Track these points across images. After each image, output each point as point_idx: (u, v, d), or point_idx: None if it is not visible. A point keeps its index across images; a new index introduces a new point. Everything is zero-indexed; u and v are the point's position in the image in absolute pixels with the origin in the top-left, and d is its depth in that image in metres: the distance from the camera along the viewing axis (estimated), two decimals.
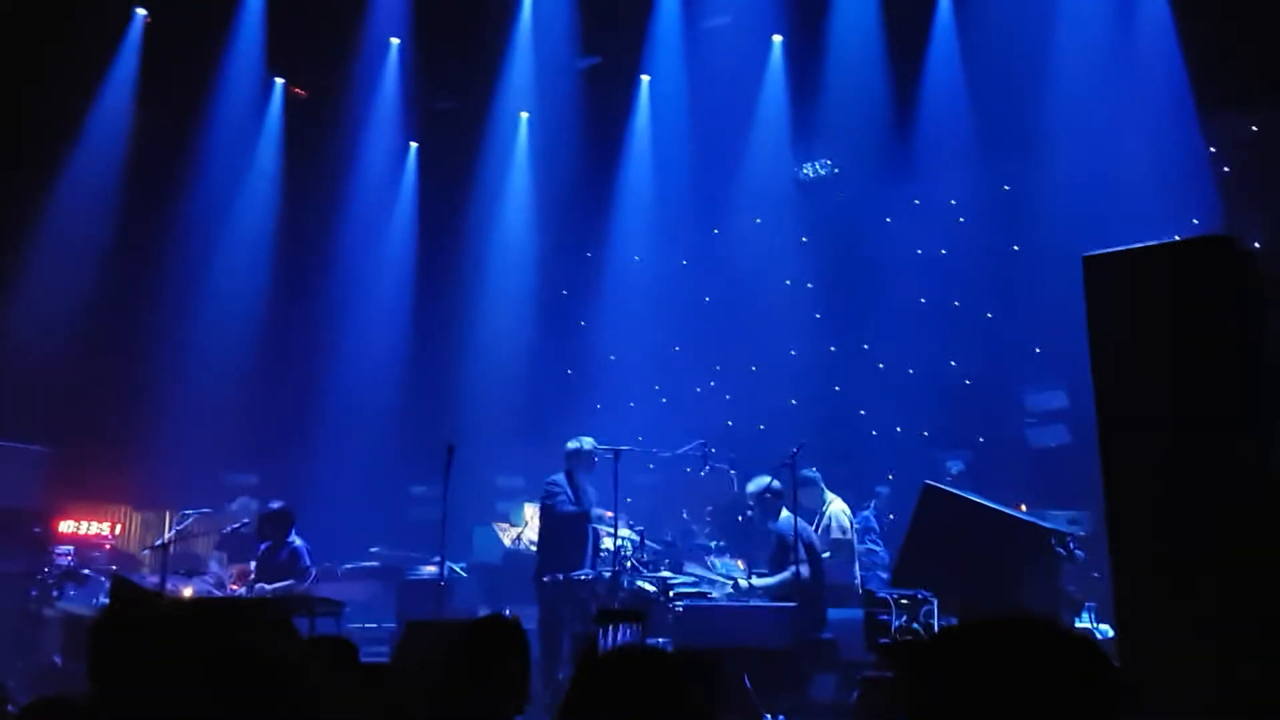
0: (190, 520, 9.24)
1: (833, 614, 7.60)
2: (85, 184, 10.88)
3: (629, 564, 7.63)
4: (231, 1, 11.18)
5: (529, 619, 8.70)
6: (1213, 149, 9.26)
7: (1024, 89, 9.90)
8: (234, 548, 9.24)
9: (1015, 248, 10.45)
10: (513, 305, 12.68)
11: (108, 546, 10.17)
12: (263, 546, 8.83)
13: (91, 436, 10.71)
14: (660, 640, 6.86)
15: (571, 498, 8.19)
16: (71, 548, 9.43)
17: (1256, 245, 8.00)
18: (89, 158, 10.93)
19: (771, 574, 7.65)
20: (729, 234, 12.20)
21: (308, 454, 11.83)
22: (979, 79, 10.35)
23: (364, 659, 9.03)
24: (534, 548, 9.96)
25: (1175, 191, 8.97)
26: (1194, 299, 5.13)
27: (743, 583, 7.50)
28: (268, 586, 8.38)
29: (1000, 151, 10.44)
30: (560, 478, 8.32)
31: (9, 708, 4.97)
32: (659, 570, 7.78)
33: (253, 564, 8.85)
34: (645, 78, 12.13)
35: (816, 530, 8.56)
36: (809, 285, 11.76)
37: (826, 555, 8.39)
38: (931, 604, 6.48)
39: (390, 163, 13.02)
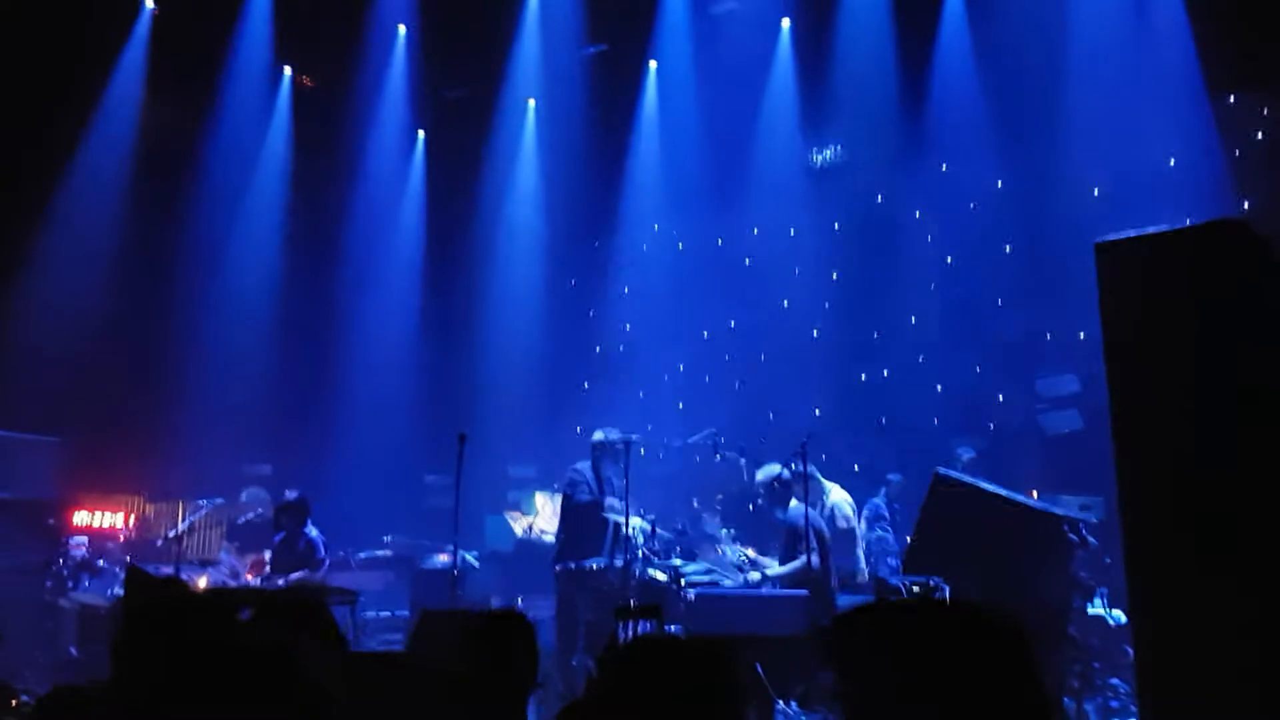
0: (204, 511, 9.31)
1: (843, 600, 7.61)
2: (97, 175, 10.91)
3: (640, 553, 7.65)
4: None
5: (545, 607, 8.76)
6: (1225, 133, 9.18)
7: (1036, 72, 9.83)
8: (245, 538, 9.29)
9: (1028, 233, 10.40)
10: (523, 293, 12.69)
11: (122, 537, 10.22)
12: (278, 537, 8.87)
13: (105, 427, 10.75)
14: (673, 628, 6.88)
15: (592, 488, 8.23)
16: (86, 539, 9.49)
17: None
18: (100, 149, 10.96)
19: (782, 563, 7.65)
20: (739, 220, 12.17)
21: (321, 443, 11.87)
22: (990, 62, 10.27)
23: (379, 648, 9.13)
24: (546, 536, 10.01)
25: (1189, 176, 8.90)
26: (1208, 284, 5.09)
27: (754, 575, 7.49)
28: (281, 579, 8.41)
29: (1013, 136, 10.37)
30: (584, 466, 8.38)
31: (23, 698, 5.01)
32: (670, 559, 7.79)
33: (267, 554, 8.89)
34: (653, 64, 12.09)
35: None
36: (820, 273, 11.71)
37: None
38: (943, 591, 6.47)
39: (399, 151, 13.02)
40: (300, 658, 2.39)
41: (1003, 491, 7.20)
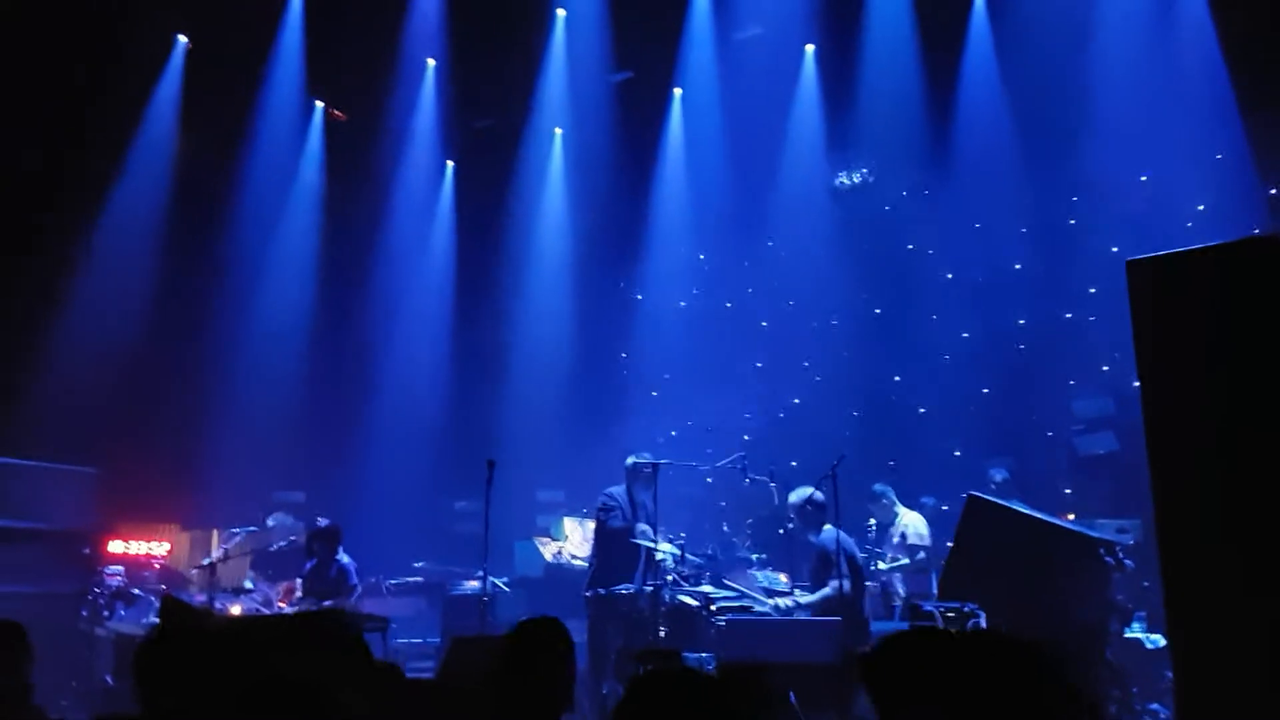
0: (238, 539, 9.37)
1: (876, 627, 7.53)
2: (132, 208, 11.08)
3: (670, 578, 7.62)
4: (271, 27, 11.34)
5: (576, 632, 8.72)
6: (1256, 150, 9.09)
7: (1062, 92, 9.80)
8: (277, 565, 9.33)
9: (1057, 253, 10.33)
10: (550, 319, 12.74)
11: (157, 566, 10.30)
12: (310, 564, 8.91)
13: (142, 457, 10.85)
14: (703, 655, 6.83)
15: (626, 513, 8.22)
16: (121, 568, 9.56)
17: None
18: (135, 182, 11.14)
19: (813, 587, 7.58)
20: (765, 244, 12.18)
21: (353, 470, 11.94)
22: (1016, 83, 10.27)
23: (410, 675, 9.12)
24: (575, 562, 9.99)
25: (1219, 194, 8.82)
26: (1241, 302, 5.03)
27: (784, 603, 7.43)
28: (313, 606, 8.43)
29: (1039, 155, 10.32)
30: (618, 491, 8.38)
31: None
32: (700, 584, 7.74)
33: (299, 581, 8.93)
34: (678, 91, 12.17)
35: (894, 541, 8.52)
36: (847, 294, 11.68)
37: (904, 563, 8.37)
38: (978, 617, 6.39)
39: (428, 181, 13.17)
40: (333, 690, 2.40)
41: (1037, 514, 7.12)
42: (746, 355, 12.24)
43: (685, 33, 11.32)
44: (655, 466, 7.93)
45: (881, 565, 8.73)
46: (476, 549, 7.84)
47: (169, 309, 11.29)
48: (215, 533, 11.04)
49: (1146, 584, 6.91)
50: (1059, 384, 10.36)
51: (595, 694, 7.65)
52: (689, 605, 7.47)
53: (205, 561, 8.77)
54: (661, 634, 7.35)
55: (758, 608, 7.49)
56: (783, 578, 8.27)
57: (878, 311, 11.45)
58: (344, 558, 8.85)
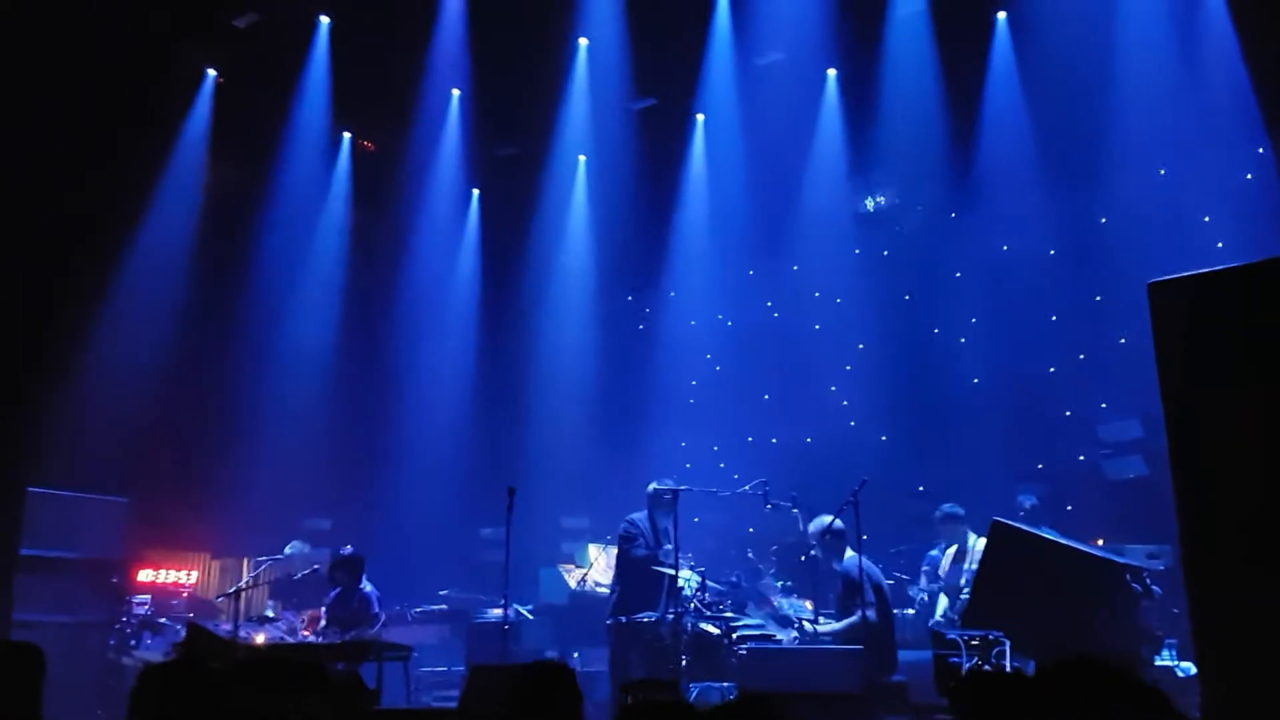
0: (265, 567, 9.43)
1: (903, 656, 7.43)
2: (162, 238, 11.21)
3: (692, 605, 7.56)
4: (298, 59, 11.50)
5: (600, 660, 8.69)
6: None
7: (1086, 114, 9.73)
8: (295, 594, 9.37)
9: (1084, 275, 10.23)
10: (574, 346, 12.78)
11: (185, 594, 10.38)
12: (334, 592, 8.94)
13: (172, 487, 10.96)
14: (724, 684, 6.77)
15: (649, 540, 8.18)
16: (149, 597, 9.65)
17: None
18: (165, 212, 11.28)
19: (838, 616, 7.49)
20: (790, 269, 12.16)
21: (379, 498, 12.01)
22: (1039, 104, 10.19)
23: (434, 704, 9.11)
24: (599, 589, 9.95)
25: (1244, 214, 8.69)
26: (1265, 323, 4.96)
27: (808, 626, 7.35)
28: (337, 634, 8.44)
29: (1064, 178, 10.25)
30: (640, 517, 8.34)
31: None
32: (722, 611, 7.67)
33: (323, 610, 8.95)
34: (700, 117, 12.21)
35: (965, 565, 8.34)
36: (870, 318, 11.62)
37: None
38: (1003, 645, 6.28)
39: (454, 210, 13.27)
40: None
41: (1062, 539, 7.01)
42: (771, 380, 12.19)
43: (706, 59, 11.34)
44: (676, 493, 7.89)
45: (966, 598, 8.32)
46: (502, 576, 7.84)
47: (199, 339, 11.43)
48: (246, 561, 11.12)
49: (1177, 611, 6.76)
50: (1090, 407, 10.22)
51: None
52: (710, 634, 7.41)
53: (231, 590, 8.83)
54: (683, 663, 7.29)
55: (780, 636, 7.40)
56: (808, 605, 8.17)
57: (899, 332, 11.36)
58: (367, 586, 8.87)
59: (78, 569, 9.42)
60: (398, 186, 12.75)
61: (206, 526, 11.36)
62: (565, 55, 11.64)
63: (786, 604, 8.16)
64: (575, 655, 9.51)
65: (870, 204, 11.86)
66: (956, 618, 8.02)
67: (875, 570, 7.66)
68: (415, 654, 8.48)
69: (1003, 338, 10.68)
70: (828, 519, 7.58)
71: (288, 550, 9.50)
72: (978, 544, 8.43)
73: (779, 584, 8.86)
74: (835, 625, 7.41)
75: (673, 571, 7.64)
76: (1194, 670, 6.28)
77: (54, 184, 9.89)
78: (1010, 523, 7.24)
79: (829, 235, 11.72)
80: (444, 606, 10.75)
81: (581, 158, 12.81)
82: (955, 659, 6.42)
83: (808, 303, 12.00)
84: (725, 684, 6.81)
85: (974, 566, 8.24)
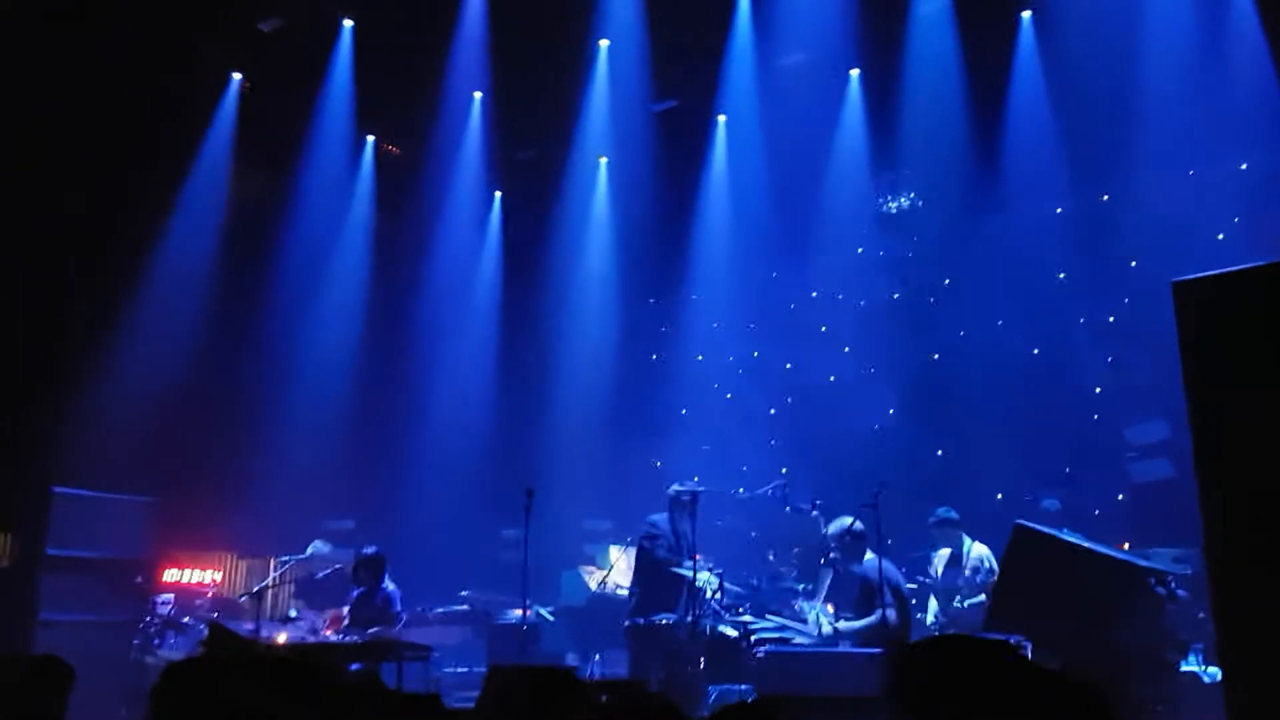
0: (288, 567, 9.48)
1: None
2: (187, 241, 11.31)
3: (711, 608, 7.53)
4: (323, 64, 11.57)
5: (619, 662, 8.67)
6: None
7: (1111, 112, 9.61)
8: (318, 593, 9.41)
9: (1109, 275, 10.13)
10: (596, 348, 12.78)
11: (210, 594, 10.45)
12: (356, 592, 8.98)
13: (197, 487, 11.04)
14: (742, 687, 6.73)
15: (670, 543, 8.16)
16: (172, 596, 9.72)
17: None
18: (189, 216, 11.37)
19: (857, 618, 7.44)
20: (812, 270, 12.10)
21: (402, 499, 12.05)
22: (1064, 102, 10.09)
23: (455, 704, 9.12)
24: (620, 591, 9.93)
25: (1271, 213, 8.57)
26: None
27: (826, 627, 7.30)
28: (358, 634, 8.48)
29: (1089, 177, 10.15)
30: (660, 519, 8.32)
31: None
32: (740, 614, 7.64)
33: (345, 610, 8.99)
34: (722, 118, 12.18)
35: (966, 574, 8.31)
36: (893, 320, 11.55)
37: (980, 599, 8.14)
38: (1024, 648, 6.21)
39: (476, 212, 13.31)
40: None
41: (1085, 542, 6.92)
42: (794, 382, 12.14)
43: (728, 60, 11.31)
44: (695, 495, 7.87)
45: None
46: (521, 577, 7.84)
47: (223, 340, 11.51)
48: (271, 561, 11.18)
49: (1202, 615, 6.66)
50: (1117, 409, 10.11)
51: None
52: (728, 636, 7.38)
53: (254, 590, 8.88)
54: (702, 665, 7.27)
55: (798, 638, 7.36)
56: (829, 608, 8.12)
57: (921, 333, 11.30)
58: (389, 585, 8.91)
59: (102, 569, 9.51)
60: (420, 189, 12.80)
61: (230, 526, 11.43)
62: (586, 57, 11.64)
63: (807, 607, 8.11)
64: (596, 657, 9.49)
65: (893, 205, 11.78)
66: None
67: (895, 573, 7.61)
68: (436, 654, 8.50)
69: (1026, 339, 10.59)
70: (846, 521, 7.54)
71: (309, 550, 9.55)
72: (974, 548, 8.42)
73: (800, 587, 8.80)
74: (855, 624, 7.37)
75: (692, 574, 7.61)
76: (1219, 675, 6.19)
77: (80, 186, 10.00)
78: (1033, 525, 7.17)
79: (851, 236, 11.67)
80: (465, 607, 10.75)
81: (603, 160, 12.82)
82: None
83: (830, 304, 11.94)
84: (744, 686, 6.76)
85: (969, 572, 8.23)
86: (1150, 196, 9.55)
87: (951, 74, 10.49)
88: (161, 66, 10.32)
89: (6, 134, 9.40)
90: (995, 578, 8.18)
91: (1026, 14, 10.48)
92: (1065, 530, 7.96)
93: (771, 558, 10.16)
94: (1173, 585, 6.42)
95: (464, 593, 11.04)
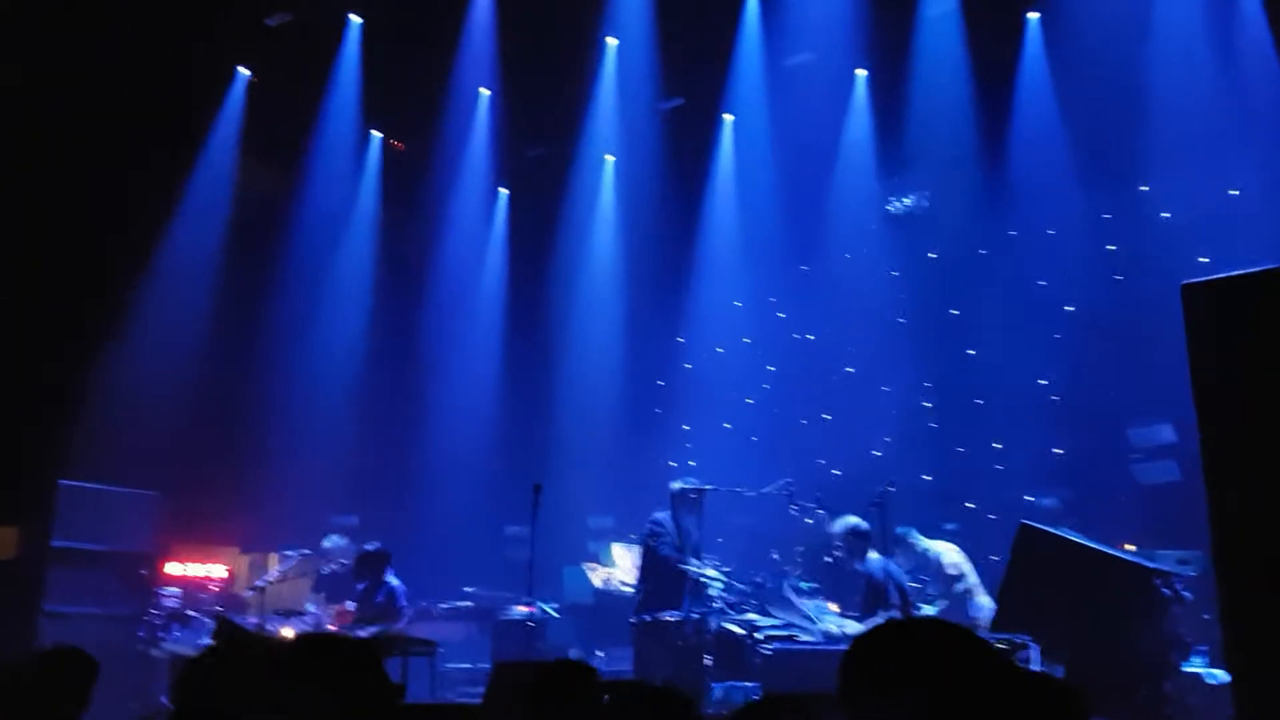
0: (292, 561, 9.50)
1: None
2: (193, 237, 11.33)
3: (717, 605, 7.56)
4: (330, 60, 11.59)
5: (624, 659, 8.69)
6: None
7: (1119, 113, 9.63)
8: (331, 588, 9.44)
9: (1117, 278, 10.13)
10: (601, 345, 12.79)
11: (214, 588, 10.47)
12: (360, 587, 9.00)
13: (202, 481, 11.05)
14: (749, 685, 6.75)
15: (674, 540, 8.19)
16: (178, 589, 9.75)
17: None
18: (196, 211, 11.40)
19: (862, 617, 7.45)
20: (817, 270, 12.12)
21: (406, 494, 12.07)
22: (1072, 104, 10.11)
23: (459, 699, 9.16)
24: (624, 588, 9.96)
25: None
26: None
27: (833, 628, 7.32)
28: (362, 629, 8.50)
29: (1098, 179, 10.16)
30: (665, 517, 8.34)
31: None
32: (745, 612, 7.66)
33: (350, 604, 9.02)
34: (728, 117, 12.19)
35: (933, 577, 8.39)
36: (901, 320, 11.56)
37: (944, 604, 8.21)
38: (1029, 649, 6.23)
39: (482, 209, 13.33)
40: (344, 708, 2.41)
41: (1091, 543, 6.93)
42: (800, 381, 12.14)
43: (735, 60, 11.34)
44: (701, 492, 7.89)
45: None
46: (527, 574, 7.85)
47: (229, 334, 11.52)
48: (273, 555, 11.20)
49: (1208, 617, 6.68)
50: (1124, 410, 10.12)
51: None
52: (734, 633, 7.40)
53: (259, 584, 8.90)
54: (707, 662, 7.29)
55: (804, 636, 7.38)
56: (833, 607, 8.14)
57: (928, 333, 11.30)
58: (393, 580, 8.93)
59: (108, 562, 9.53)
60: (427, 186, 12.82)
61: (236, 521, 11.46)
62: (594, 55, 11.66)
63: (811, 606, 8.13)
64: (600, 654, 9.52)
65: (899, 206, 11.79)
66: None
67: (899, 571, 7.63)
68: (441, 650, 8.54)
69: (1033, 339, 10.59)
70: (851, 521, 7.56)
71: (326, 544, 9.57)
72: (932, 550, 8.63)
73: (804, 585, 8.82)
74: (860, 626, 7.37)
75: (697, 571, 7.63)
76: (1225, 678, 6.21)
77: (88, 181, 10.01)
78: (1038, 526, 7.18)
79: (858, 236, 11.68)
80: (470, 603, 10.78)
81: (609, 158, 12.83)
82: None
83: (837, 303, 11.94)
84: (750, 684, 6.79)
85: (939, 575, 8.31)
86: (1158, 197, 9.55)
87: (959, 75, 10.50)
88: (168, 62, 10.33)
89: (13, 129, 9.41)
90: (955, 572, 8.24)
91: (1034, 15, 10.48)
92: (1063, 529, 8.00)
93: (776, 556, 10.19)
94: (1179, 587, 6.43)
95: (468, 589, 11.07)
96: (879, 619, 7.15)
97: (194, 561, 10.67)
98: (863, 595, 7.52)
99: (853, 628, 7.41)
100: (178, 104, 10.75)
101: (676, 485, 8.41)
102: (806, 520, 8.09)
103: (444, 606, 10.66)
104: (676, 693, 3.03)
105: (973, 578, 8.53)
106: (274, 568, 10.15)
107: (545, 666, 3.63)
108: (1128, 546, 8.48)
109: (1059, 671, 6.42)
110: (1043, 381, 10.42)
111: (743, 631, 7.38)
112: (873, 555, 7.48)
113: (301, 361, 12.24)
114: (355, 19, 11.41)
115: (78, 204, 9.92)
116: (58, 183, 9.78)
